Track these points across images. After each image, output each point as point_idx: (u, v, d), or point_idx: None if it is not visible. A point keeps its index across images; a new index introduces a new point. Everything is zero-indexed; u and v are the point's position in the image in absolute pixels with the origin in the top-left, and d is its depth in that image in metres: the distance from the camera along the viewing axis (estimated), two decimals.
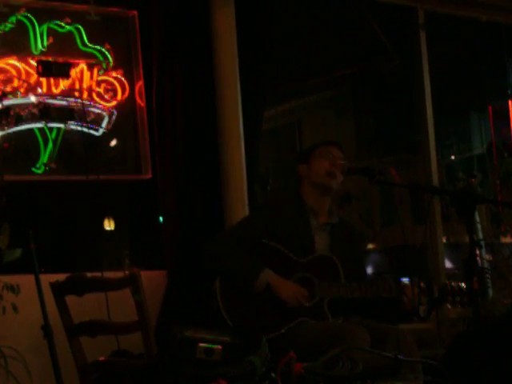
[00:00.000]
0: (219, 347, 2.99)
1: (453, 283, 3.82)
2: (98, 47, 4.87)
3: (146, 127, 4.93)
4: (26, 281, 3.61)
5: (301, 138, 8.74)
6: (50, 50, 4.72)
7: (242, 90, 4.90)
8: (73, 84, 4.74)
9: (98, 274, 4.24)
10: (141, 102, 4.95)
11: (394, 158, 8.47)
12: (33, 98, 4.63)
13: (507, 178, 6.62)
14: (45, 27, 4.72)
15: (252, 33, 5.01)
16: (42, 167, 4.66)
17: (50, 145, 4.68)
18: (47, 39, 4.72)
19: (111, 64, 4.89)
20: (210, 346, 2.98)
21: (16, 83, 4.60)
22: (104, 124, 4.85)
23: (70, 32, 4.81)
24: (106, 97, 4.86)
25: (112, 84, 4.89)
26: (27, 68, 4.65)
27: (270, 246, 3.91)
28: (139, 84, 4.95)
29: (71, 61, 4.75)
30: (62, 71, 4.68)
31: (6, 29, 4.63)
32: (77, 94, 4.74)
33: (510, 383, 4.05)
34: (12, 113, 4.56)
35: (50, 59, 4.68)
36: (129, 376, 3.60)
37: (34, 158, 4.65)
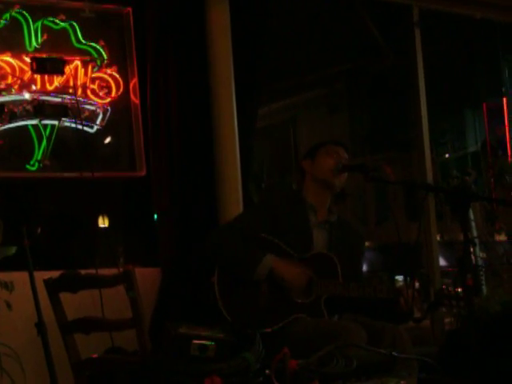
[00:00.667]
0: (213, 344, 2.99)
1: (449, 288, 3.82)
2: (93, 44, 4.86)
3: (140, 124, 4.93)
4: (19, 278, 3.61)
5: (295, 135, 8.74)
6: (44, 46, 4.71)
7: (236, 87, 4.89)
8: (67, 81, 4.74)
9: (92, 271, 4.24)
10: (135, 99, 4.94)
11: (389, 155, 8.48)
12: (27, 95, 4.62)
13: (501, 176, 6.63)
14: (39, 24, 4.72)
15: (246, 30, 5.01)
16: (36, 164, 4.65)
17: (44, 142, 4.67)
18: (41, 36, 4.71)
19: (105, 61, 4.89)
20: (204, 342, 2.99)
21: (10, 80, 4.60)
22: (98, 121, 4.84)
23: (64, 29, 4.80)
24: (100, 94, 4.85)
25: (106, 81, 4.88)
26: (21, 65, 4.64)
27: (268, 240, 3.91)
28: (134, 81, 4.95)
29: (65, 58, 4.74)
30: (57, 68, 4.67)
31: (0, 25, 4.61)
32: (71, 90, 4.73)
33: (504, 380, 4.06)
34: (6, 110, 4.56)
35: (45, 56, 4.68)
36: (123, 373, 3.59)
37: (27, 155, 4.64)
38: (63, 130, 4.73)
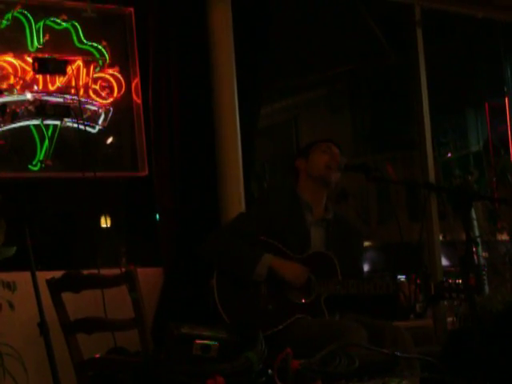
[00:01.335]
0: (216, 344, 2.99)
1: (449, 280, 3.83)
2: (95, 44, 4.86)
3: (142, 124, 4.93)
4: (22, 278, 3.60)
5: (297, 135, 8.73)
6: (46, 46, 4.71)
7: (238, 87, 4.89)
8: (69, 81, 4.74)
9: (95, 271, 4.25)
10: (137, 99, 4.94)
11: (391, 154, 8.46)
12: (29, 95, 4.62)
13: (503, 176, 6.62)
14: (41, 24, 4.72)
15: (249, 30, 5.01)
16: (39, 164, 4.65)
17: (46, 142, 4.67)
18: (43, 36, 4.72)
19: (107, 61, 4.89)
20: (206, 342, 2.98)
21: (12, 80, 4.60)
22: (100, 121, 4.84)
23: (66, 29, 4.80)
24: (102, 94, 4.86)
25: (108, 81, 4.88)
26: (23, 65, 4.64)
27: (266, 242, 3.92)
28: (136, 81, 4.95)
29: (67, 58, 4.74)
30: (59, 68, 4.68)
31: (2, 26, 4.62)
32: (73, 91, 4.74)
33: (507, 379, 4.06)
34: (8, 110, 4.56)
35: (47, 56, 4.68)
36: (125, 373, 3.60)
37: (30, 155, 4.64)
38: (65, 130, 4.73)
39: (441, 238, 6.17)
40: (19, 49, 4.66)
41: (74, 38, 4.81)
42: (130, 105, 4.95)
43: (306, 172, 4.11)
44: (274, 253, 3.87)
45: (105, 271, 4.26)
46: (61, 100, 4.71)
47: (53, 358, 3.19)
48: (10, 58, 4.61)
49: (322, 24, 6.72)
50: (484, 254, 6.38)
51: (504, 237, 6.48)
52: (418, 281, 3.82)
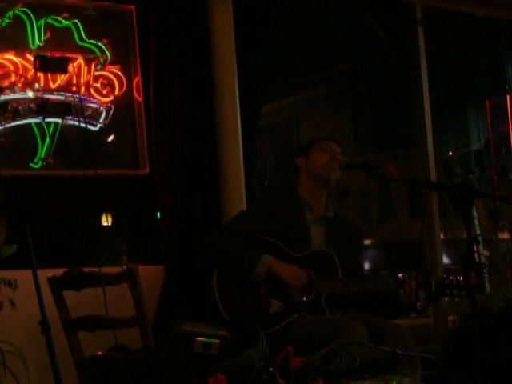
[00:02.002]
0: (217, 341, 2.99)
1: (450, 277, 3.82)
2: (96, 42, 4.86)
3: (143, 122, 4.93)
4: (23, 276, 3.61)
5: (298, 133, 8.74)
6: (47, 44, 4.71)
7: (239, 85, 4.89)
8: (70, 79, 4.74)
9: (96, 269, 4.25)
10: (138, 96, 4.94)
11: (392, 153, 8.48)
12: (30, 93, 4.63)
13: (505, 174, 6.62)
14: (42, 22, 4.72)
15: (249, 28, 5.01)
16: (40, 162, 4.65)
17: (48, 140, 4.67)
18: (44, 34, 4.72)
19: (109, 59, 4.89)
20: (207, 340, 2.98)
21: (13, 78, 4.60)
22: (101, 119, 4.84)
23: (67, 27, 4.80)
24: (103, 92, 4.86)
25: (109, 79, 4.88)
26: (24, 63, 4.64)
27: (266, 240, 3.91)
28: (137, 79, 4.95)
29: (69, 56, 4.74)
30: (60, 66, 4.68)
31: (4, 24, 4.62)
32: (74, 88, 4.74)
33: (508, 377, 4.06)
34: (9, 108, 4.56)
35: (48, 54, 4.68)
36: (126, 371, 3.60)
37: (31, 153, 4.64)
38: (66, 128, 4.74)
39: (442, 236, 6.17)
40: (20, 47, 4.66)
41: (75, 35, 4.81)
42: (131, 103, 4.95)
43: (306, 170, 4.11)
44: (275, 251, 3.87)
45: (106, 269, 4.26)
46: (62, 98, 4.71)
47: (54, 355, 3.19)
48: (11, 56, 4.61)
49: (323, 23, 6.72)
50: (485, 252, 6.39)
51: (505, 235, 6.48)
52: (419, 278, 3.82)
